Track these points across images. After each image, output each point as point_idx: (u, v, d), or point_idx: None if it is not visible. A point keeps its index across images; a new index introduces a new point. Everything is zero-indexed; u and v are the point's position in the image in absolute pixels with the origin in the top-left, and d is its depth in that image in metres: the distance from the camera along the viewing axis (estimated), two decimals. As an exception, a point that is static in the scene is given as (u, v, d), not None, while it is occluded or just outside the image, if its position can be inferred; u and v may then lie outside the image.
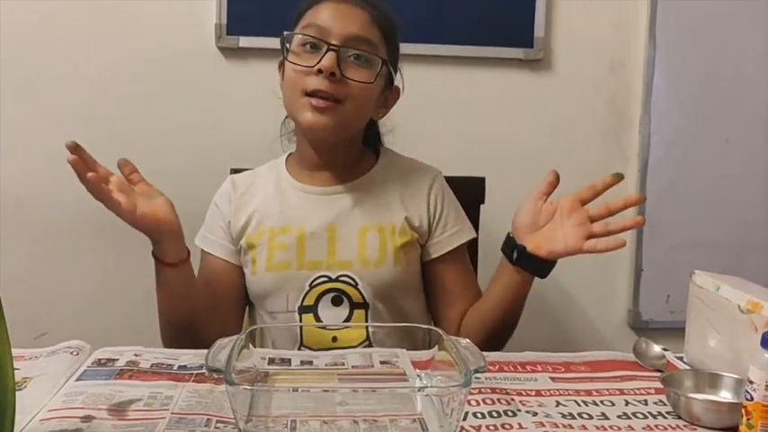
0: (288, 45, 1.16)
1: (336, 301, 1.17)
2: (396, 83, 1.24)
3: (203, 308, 1.14)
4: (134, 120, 1.75)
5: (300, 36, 1.15)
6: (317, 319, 1.16)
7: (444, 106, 1.80)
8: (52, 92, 1.73)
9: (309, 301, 1.17)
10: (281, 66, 1.22)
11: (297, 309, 1.17)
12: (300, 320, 1.16)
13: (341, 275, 1.17)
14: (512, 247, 1.13)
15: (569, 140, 1.86)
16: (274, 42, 1.68)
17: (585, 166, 1.88)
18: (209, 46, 1.73)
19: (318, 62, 1.10)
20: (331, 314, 1.16)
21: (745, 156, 1.88)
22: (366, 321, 1.16)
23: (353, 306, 1.17)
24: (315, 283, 1.17)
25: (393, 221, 1.20)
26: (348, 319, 1.16)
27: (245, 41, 1.72)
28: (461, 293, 1.23)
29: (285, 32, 1.17)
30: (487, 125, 1.83)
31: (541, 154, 1.85)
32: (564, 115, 1.85)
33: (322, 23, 1.13)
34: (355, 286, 1.17)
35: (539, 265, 1.13)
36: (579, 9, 1.82)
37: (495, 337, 1.17)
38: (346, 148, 1.22)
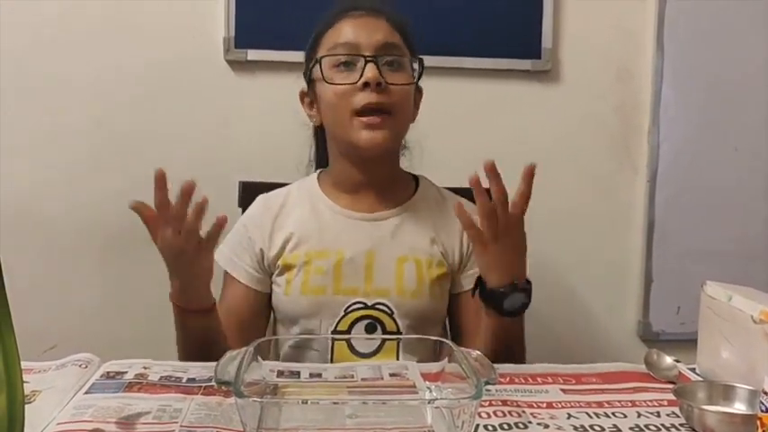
0: (318, 70, 1.14)
1: (370, 329, 1.15)
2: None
3: (226, 338, 1.11)
4: (142, 131, 1.76)
5: (332, 57, 1.13)
6: (350, 345, 1.14)
7: (453, 118, 1.80)
8: (59, 101, 1.75)
9: (343, 327, 1.15)
10: (304, 96, 1.22)
11: (330, 334, 1.15)
12: (333, 346, 1.13)
13: (377, 303, 1.16)
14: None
15: (578, 150, 1.86)
16: (282, 55, 1.70)
17: (594, 176, 1.88)
18: (218, 59, 1.74)
19: (360, 76, 1.10)
20: (363, 342, 1.14)
21: (753, 164, 1.87)
22: (397, 351, 1.13)
23: (386, 335, 1.15)
24: (350, 308, 1.15)
25: (430, 253, 1.19)
26: (379, 348, 1.13)
27: (253, 54, 1.73)
28: (478, 330, 1.19)
29: (316, 57, 1.15)
30: (496, 136, 1.83)
31: (550, 164, 1.83)
32: (572, 125, 1.85)
33: (348, 40, 1.13)
34: (390, 315, 1.15)
35: (493, 298, 1.06)
36: (586, 19, 1.83)
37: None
38: (389, 163, 1.21)
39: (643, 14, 1.84)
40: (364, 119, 1.11)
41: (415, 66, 1.17)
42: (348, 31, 1.14)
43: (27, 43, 1.72)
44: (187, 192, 0.94)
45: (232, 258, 1.21)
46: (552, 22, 1.79)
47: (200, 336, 1.07)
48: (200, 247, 0.98)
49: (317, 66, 1.15)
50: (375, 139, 1.12)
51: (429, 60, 1.72)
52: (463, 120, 1.82)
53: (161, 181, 0.95)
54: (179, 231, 0.95)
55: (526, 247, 1.06)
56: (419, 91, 1.23)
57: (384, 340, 1.14)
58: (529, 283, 1.07)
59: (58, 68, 1.74)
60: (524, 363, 1.16)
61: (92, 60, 1.74)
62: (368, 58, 1.10)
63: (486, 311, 1.08)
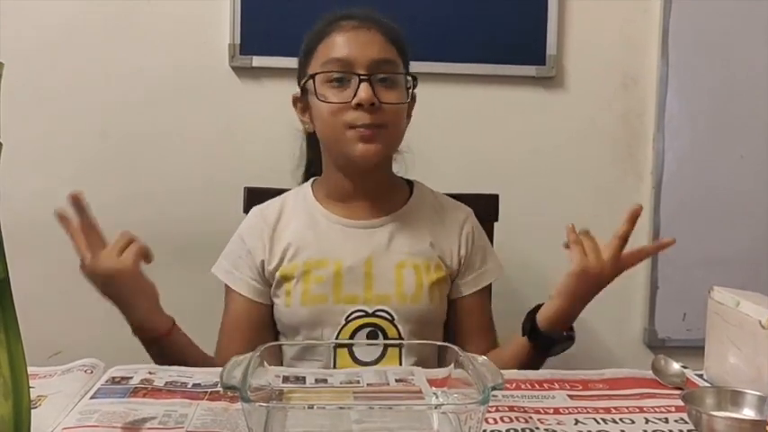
0: (312, 85, 1.14)
1: (372, 337, 1.16)
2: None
3: (201, 352, 1.14)
4: (147, 138, 1.77)
5: (325, 74, 1.13)
6: (352, 354, 1.12)
7: (458, 124, 1.80)
8: (64, 107, 1.75)
9: (345, 336, 1.15)
10: (297, 102, 1.22)
11: (332, 343, 1.15)
12: (335, 355, 1.12)
13: (378, 310, 1.16)
14: (529, 320, 1.13)
15: (583, 157, 1.86)
16: (287, 62, 1.70)
17: (599, 183, 1.88)
18: (223, 65, 1.75)
19: (354, 95, 1.10)
20: (366, 350, 1.13)
21: (759, 171, 1.87)
22: (400, 358, 1.12)
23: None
24: (351, 317, 1.16)
25: (428, 258, 1.20)
26: (382, 356, 1.12)
27: (257, 61, 1.74)
28: (475, 337, 1.22)
29: (309, 73, 1.16)
30: (501, 143, 1.83)
31: (555, 171, 1.85)
32: (577, 132, 1.85)
33: (342, 55, 1.12)
34: (392, 321, 1.16)
35: (548, 341, 1.12)
36: (591, 26, 1.83)
37: None
38: (381, 173, 1.21)
39: (648, 22, 1.84)
40: (359, 131, 1.11)
41: (409, 79, 1.17)
42: (341, 46, 1.13)
43: (31, 49, 1.73)
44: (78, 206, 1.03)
45: (232, 272, 1.21)
46: (557, 28, 1.79)
47: (177, 358, 1.07)
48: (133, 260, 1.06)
49: (311, 80, 1.15)
50: (369, 150, 1.12)
51: (433, 66, 1.75)
52: (468, 125, 1.82)
53: (78, 205, 1.04)
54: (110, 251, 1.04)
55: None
56: (412, 99, 1.23)
57: (386, 349, 1.13)
58: (573, 330, 1.13)
59: (63, 75, 1.75)
60: None
61: (97, 67, 1.75)
62: (362, 77, 1.10)
63: (526, 342, 1.13)
